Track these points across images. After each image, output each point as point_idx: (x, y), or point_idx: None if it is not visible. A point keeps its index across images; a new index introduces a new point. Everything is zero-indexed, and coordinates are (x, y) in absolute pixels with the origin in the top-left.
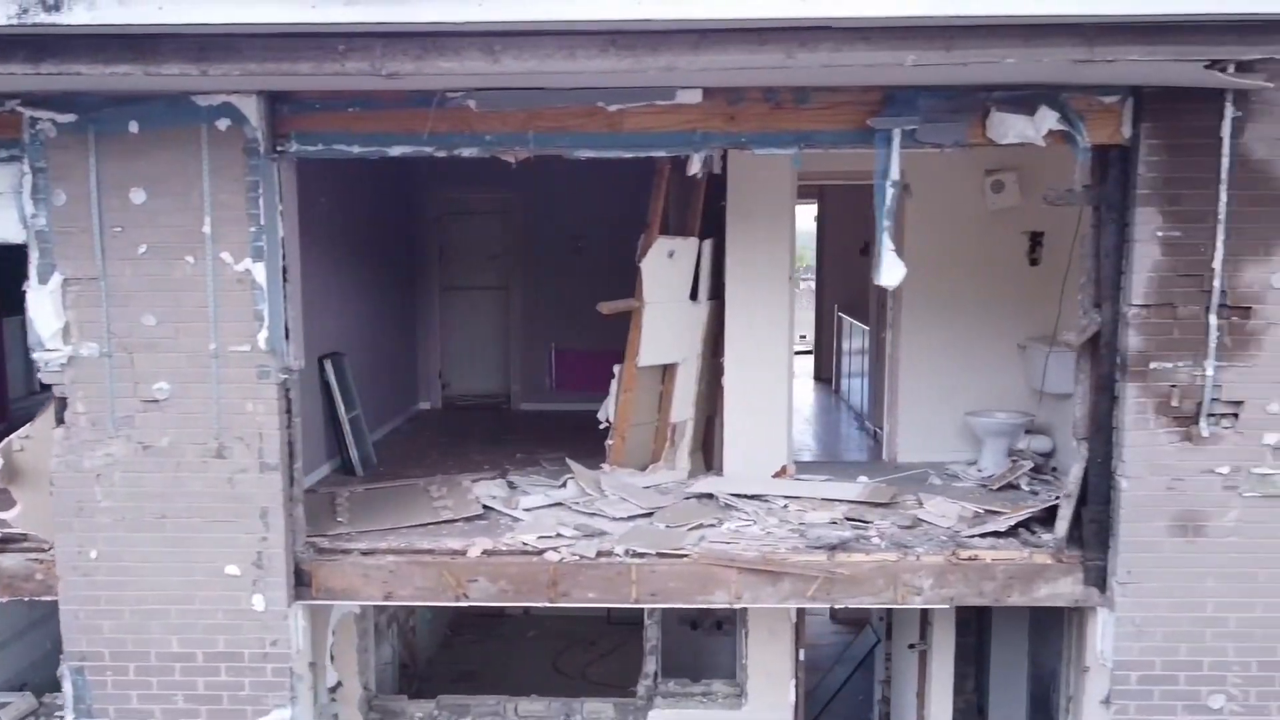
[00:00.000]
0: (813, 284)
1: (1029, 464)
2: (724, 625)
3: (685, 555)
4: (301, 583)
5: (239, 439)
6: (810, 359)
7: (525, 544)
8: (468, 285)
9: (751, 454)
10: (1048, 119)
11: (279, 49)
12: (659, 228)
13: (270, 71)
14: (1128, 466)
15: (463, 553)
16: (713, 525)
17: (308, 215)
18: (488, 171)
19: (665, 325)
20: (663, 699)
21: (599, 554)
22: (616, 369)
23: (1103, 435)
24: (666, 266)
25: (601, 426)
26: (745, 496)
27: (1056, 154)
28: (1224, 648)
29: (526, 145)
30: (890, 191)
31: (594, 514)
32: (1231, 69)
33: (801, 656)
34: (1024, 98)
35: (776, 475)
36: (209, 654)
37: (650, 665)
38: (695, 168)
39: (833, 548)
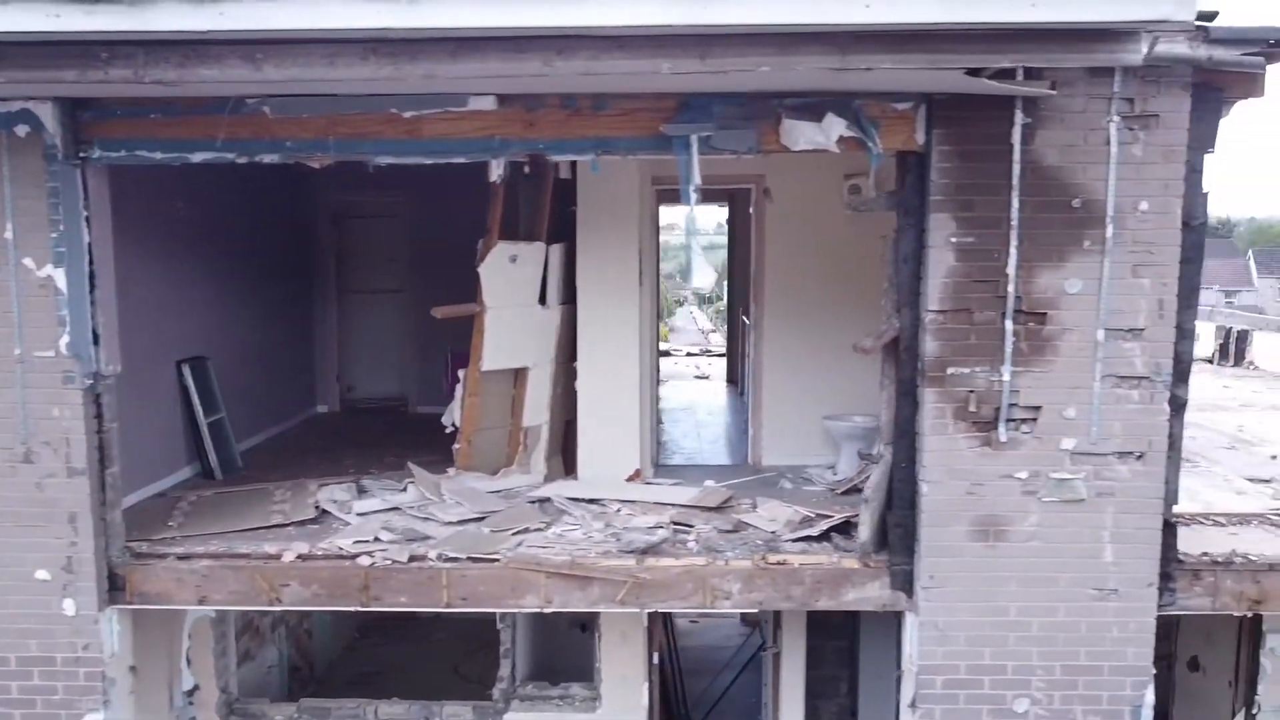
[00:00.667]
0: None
1: (876, 467)
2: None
3: (496, 560)
4: (116, 587)
5: (46, 444)
6: (725, 362)
7: (341, 548)
8: (368, 288)
9: (605, 458)
10: (836, 126)
11: (44, 57)
12: (499, 232)
13: (37, 79)
14: (928, 471)
15: (277, 557)
16: (539, 530)
17: (158, 220)
18: (383, 174)
19: (510, 330)
20: (520, 701)
21: (411, 559)
22: (461, 373)
23: (905, 440)
24: (509, 271)
25: (448, 430)
26: (582, 501)
27: None
28: (1028, 652)
29: (327, 151)
30: (694, 197)
31: (427, 518)
32: (1020, 75)
33: (656, 660)
34: (814, 105)
35: (630, 479)
36: (22, 658)
37: (505, 669)
38: (494, 174)
39: (642, 552)
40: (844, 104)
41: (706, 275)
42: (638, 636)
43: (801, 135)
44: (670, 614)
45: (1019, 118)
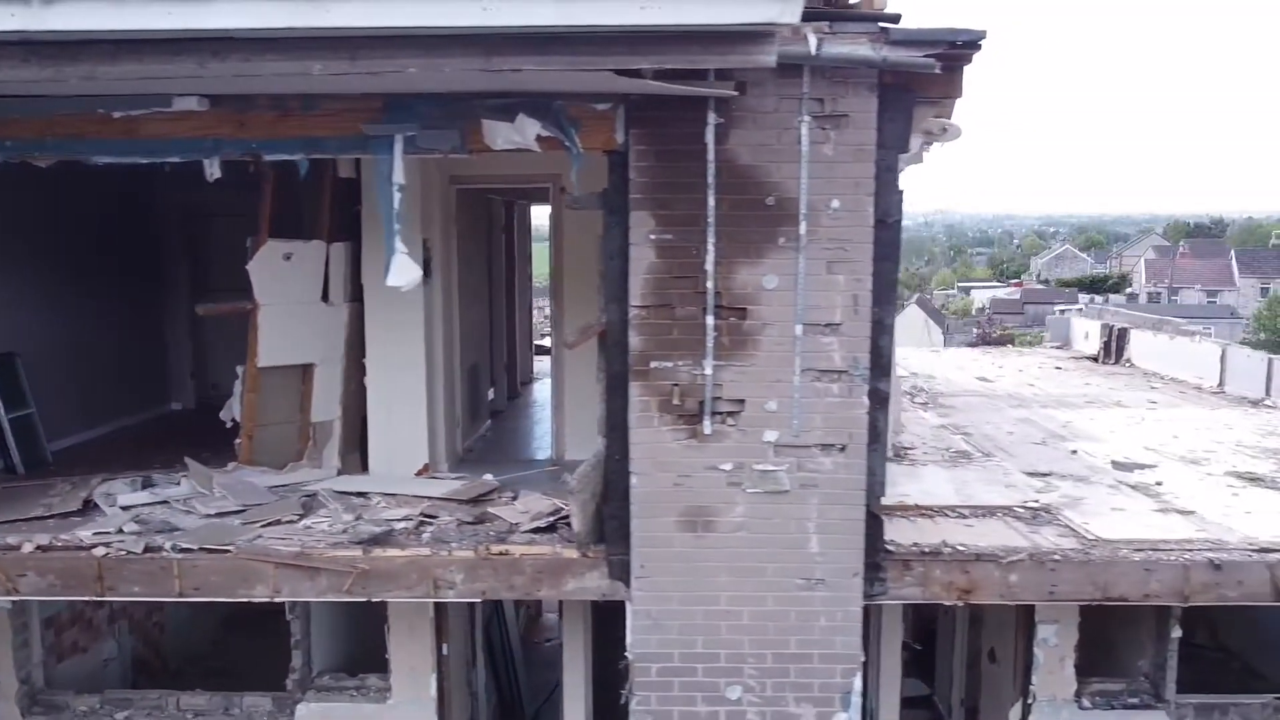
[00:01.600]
0: None
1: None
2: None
3: (228, 550)
4: None
5: None
6: None
7: (80, 540)
8: (225, 287)
9: (395, 453)
10: (531, 126)
11: None
12: (271, 230)
13: None
14: (637, 463)
15: (17, 548)
16: (290, 522)
17: None
18: (231, 174)
19: (287, 326)
20: (316, 692)
21: (146, 549)
22: (240, 370)
23: (617, 433)
24: (284, 269)
25: (229, 425)
26: (350, 494)
27: None
28: (740, 640)
29: (46, 151)
30: (397, 195)
31: (189, 511)
32: (712, 76)
33: (445, 651)
34: (513, 105)
35: (419, 473)
36: None
37: (297, 660)
38: (209, 173)
39: (368, 543)
40: (544, 105)
41: (406, 271)
42: (425, 629)
43: (499, 135)
44: (500, 605)
45: (712, 118)
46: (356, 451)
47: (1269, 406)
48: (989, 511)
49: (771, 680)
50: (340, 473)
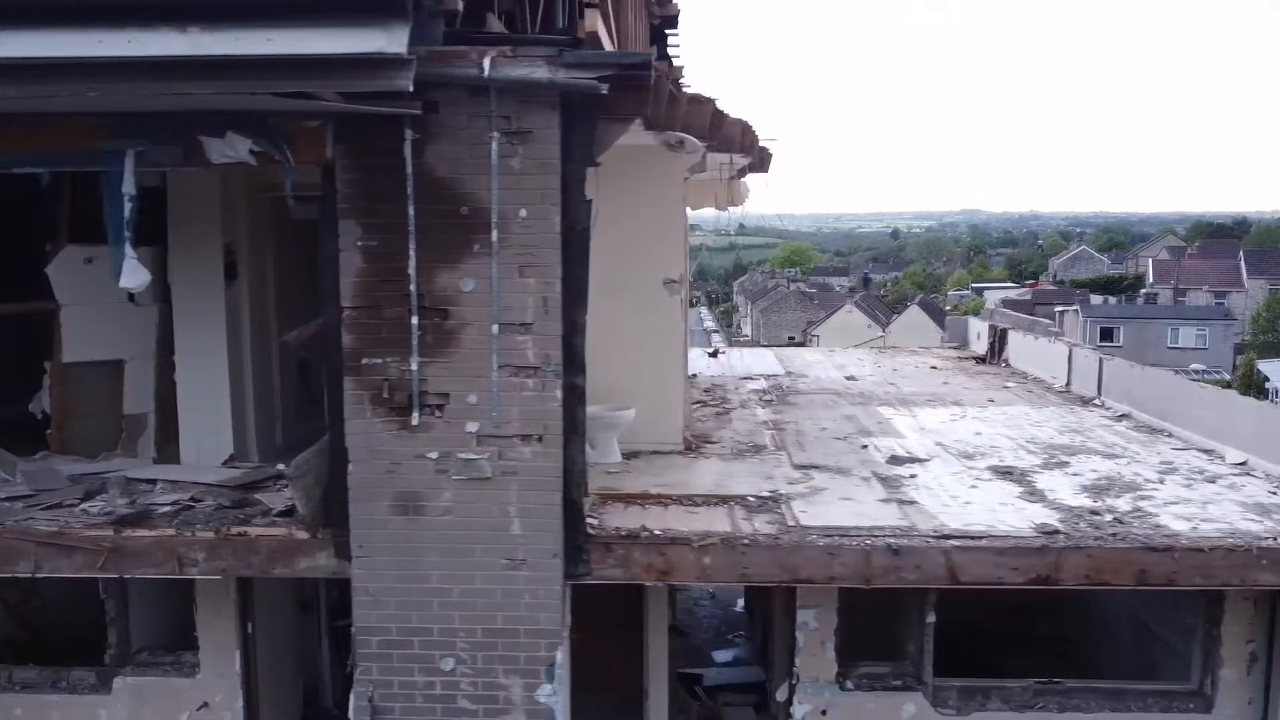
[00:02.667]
0: None
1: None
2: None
3: None
4: None
5: None
6: None
7: None
8: None
9: (201, 443)
10: (242, 143)
11: None
12: (70, 235)
13: None
14: (352, 452)
15: None
16: (71, 505)
17: None
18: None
19: (92, 325)
20: (134, 667)
21: None
22: (48, 365)
23: (337, 424)
24: (86, 271)
25: (39, 418)
26: (137, 480)
27: None
28: (451, 616)
29: None
30: (128, 206)
31: None
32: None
33: (251, 629)
34: (227, 123)
35: (225, 463)
36: None
37: (113, 636)
38: None
39: (119, 522)
40: (259, 122)
41: (136, 275)
42: (229, 608)
43: (216, 150)
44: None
45: (409, 134)
46: (175, 442)
47: (1096, 405)
48: (723, 500)
49: (482, 653)
50: (156, 462)
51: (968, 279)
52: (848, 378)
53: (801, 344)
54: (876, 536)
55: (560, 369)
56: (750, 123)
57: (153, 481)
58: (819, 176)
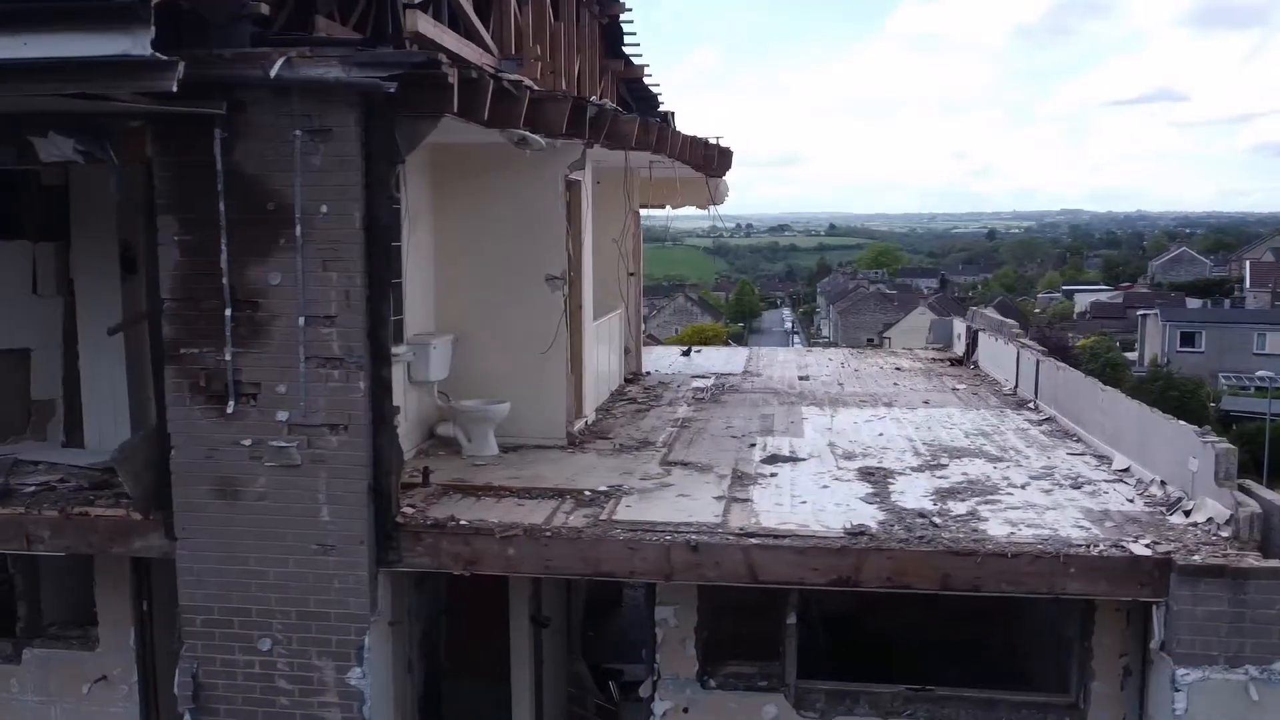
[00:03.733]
0: None
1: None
2: None
3: None
4: None
5: None
6: None
7: None
8: None
9: (103, 429)
10: (64, 143)
11: None
12: None
13: None
14: (174, 438)
15: None
16: None
17: None
18: None
19: None
20: (44, 639)
21: None
22: None
23: (161, 411)
24: None
25: None
26: (25, 462)
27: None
28: (268, 598)
29: None
30: None
31: None
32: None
33: (147, 607)
34: (52, 124)
35: None
36: None
37: (22, 610)
38: None
39: None
40: (86, 123)
41: None
42: (125, 586)
43: (44, 150)
44: None
45: (218, 134)
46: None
47: (1030, 408)
48: (559, 494)
49: (296, 635)
50: (65, 446)
51: (1059, 281)
52: (801, 378)
53: (878, 345)
54: (680, 532)
55: (364, 361)
56: (659, 122)
57: (37, 463)
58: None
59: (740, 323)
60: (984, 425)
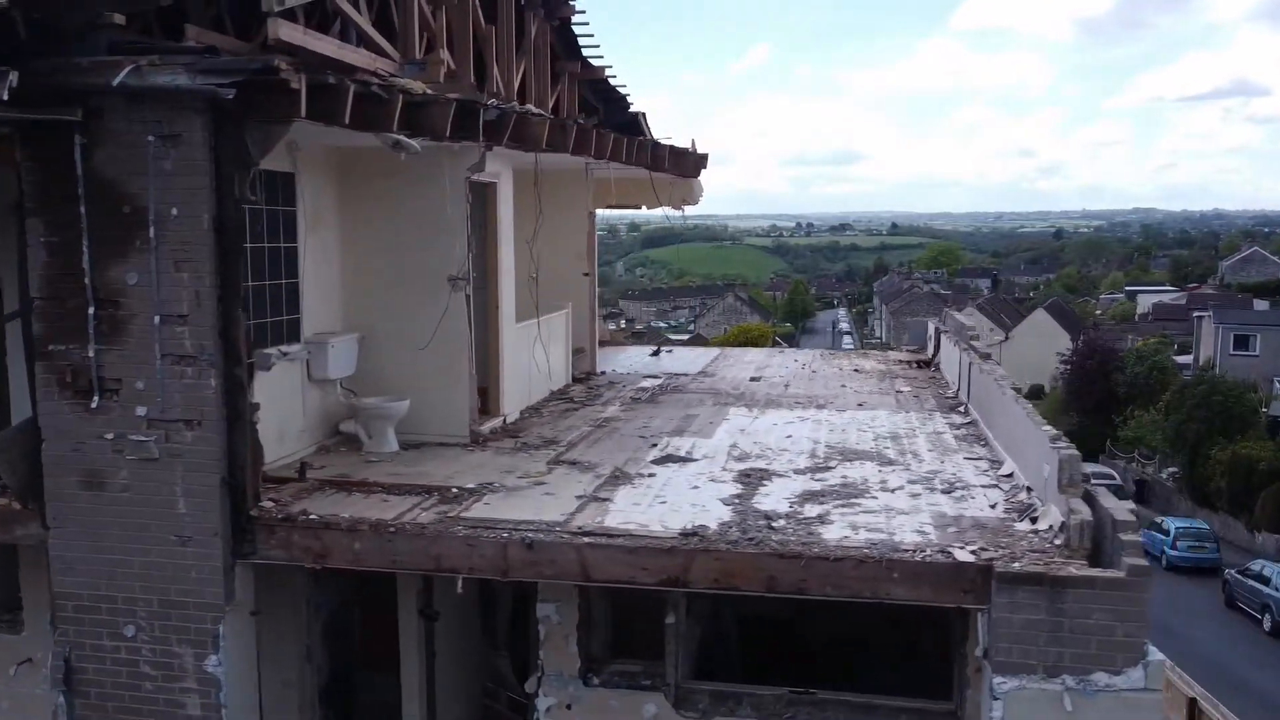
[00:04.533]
0: None
1: None
2: None
3: None
4: None
5: None
6: None
7: None
8: None
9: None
10: None
11: None
12: None
13: None
14: (45, 431)
15: None
16: None
17: None
18: None
19: None
20: None
21: None
22: None
23: (35, 404)
24: None
25: None
26: None
27: None
28: (133, 586)
29: None
30: None
31: None
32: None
33: None
34: None
35: None
36: None
37: None
38: None
39: None
40: None
41: None
42: (42, 572)
43: None
44: None
45: (78, 139)
46: None
47: (960, 411)
48: (428, 491)
49: (159, 623)
50: None
51: (1123, 282)
52: (752, 379)
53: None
54: (519, 530)
55: (215, 359)
56: (583, 125)
57: None
58: (976, 174)
59: (792, 323)
60: (902, 428)
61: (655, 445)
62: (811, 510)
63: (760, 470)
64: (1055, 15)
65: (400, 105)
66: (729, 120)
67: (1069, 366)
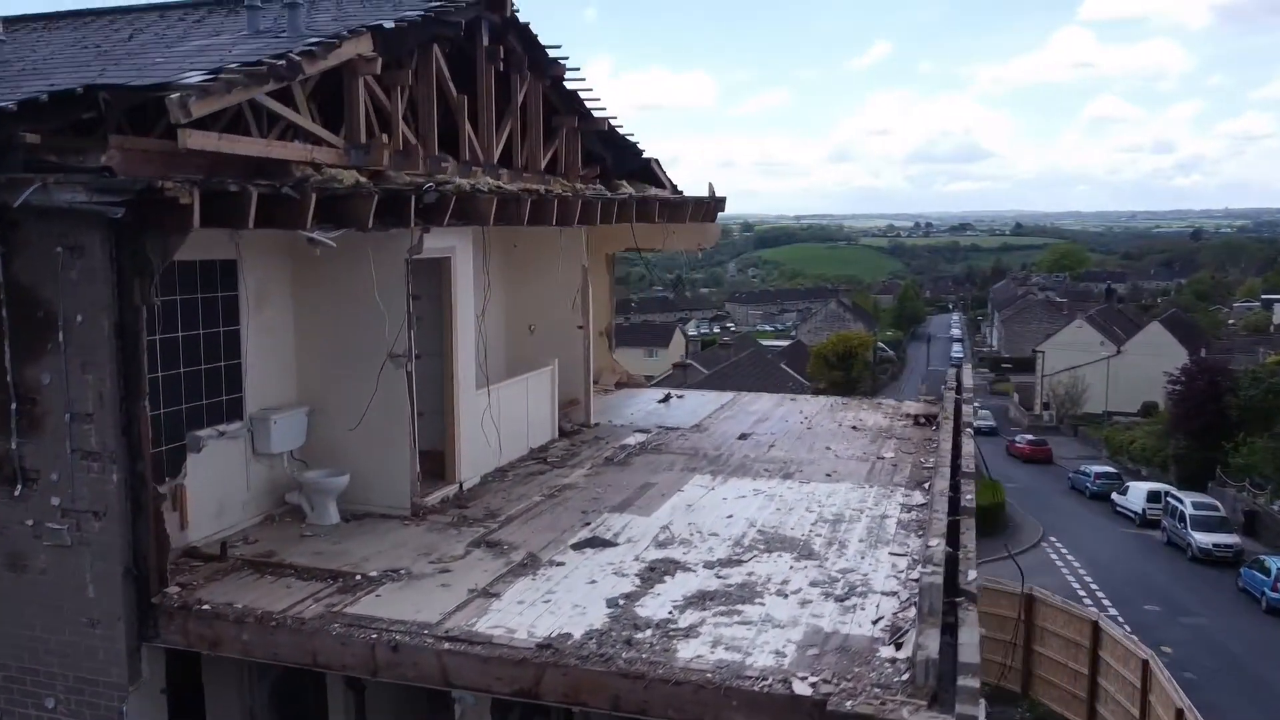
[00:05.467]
0: None
1: None
2: None
3: None
4: None
5: None
6: None
7: None
8: None
9: None
10: None
11: None
12: None
13: None
14: None
15: None
16: None
17: None
18: None
19: None
20: None
21: None
22: None
23: None
24: None
25: None
26: None
27: None
28: (51, 661)
29: None
30: None
31: None
32: None
33: None
34: None
35: None
36: None
37: None
38: None
39: None
40: None
41: None
42: None
43: None
44: None
45: None
46: None
47: (925, 489)
48: (335, 576)
49: (74, 697)
50: None
51: (1259, 289)
52: (740, 435)
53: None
54: (390, 631)
55: (118, 454)
56: (541, 195)
57: None
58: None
59: (901, 328)
60: (852, 508)
61: (589, 524)
62: (687, 619)
63: (671, 561)
64: (1192, 2)
65: (314, 202)
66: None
67: (1178, 387)
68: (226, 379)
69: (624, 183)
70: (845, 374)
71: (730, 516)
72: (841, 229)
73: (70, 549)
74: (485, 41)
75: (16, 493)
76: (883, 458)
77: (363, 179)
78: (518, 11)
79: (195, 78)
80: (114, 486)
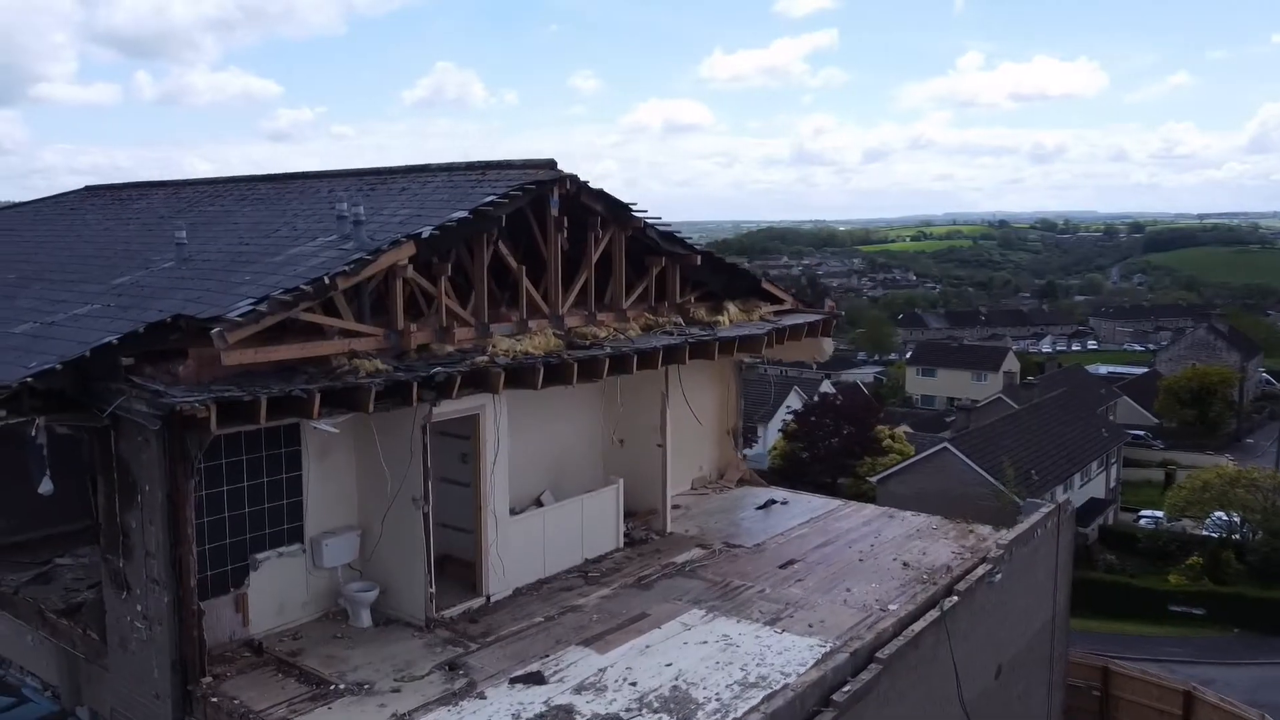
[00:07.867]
0: None
1: None
2: None
3: None
4: None
5: None
6: None
7: None
8: None
9: None
10: None
11: None
12: None
13: None
14: (106, 604)
15: None
16: None
17: None
18: None
19: None
20: None
21: None
22: None
23: None
24: None
25: None
26: None
27: None
28: (136, 717)
29: None
30: None
31: None
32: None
33: None
34: None
35: None
36: None
37: None
38: None
39: None
40: None
41: None
42: None
43: None
44: None
45: (112, 434)
46: None
47: None
48: (319, 683)
49: None
50: None
51: None
52: (787, 562)
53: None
54: None
55: (169, 582)
56: (561, 360)
57: None
58: None
59: None
60: (779, 672)
61: (547, 656)
62: None
63: (565, 710)
64: None
65: (319, 398)
66: (1268, 101)
67: None
68: (288, 512)
69: (729, 305)
70: (1199, 414)
71: (668, 666)
72: (1256, 229)
73: (146, 641)
74: (554, 212)
75: (124, 596)
76: (886, 610)
77: (384, 366)
78: (587, 182)
79: (241, 307)
80: (166, 604)
